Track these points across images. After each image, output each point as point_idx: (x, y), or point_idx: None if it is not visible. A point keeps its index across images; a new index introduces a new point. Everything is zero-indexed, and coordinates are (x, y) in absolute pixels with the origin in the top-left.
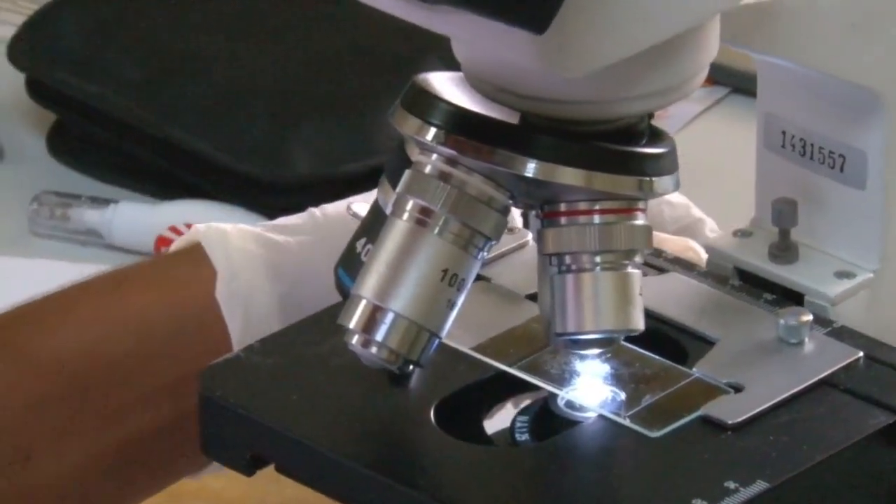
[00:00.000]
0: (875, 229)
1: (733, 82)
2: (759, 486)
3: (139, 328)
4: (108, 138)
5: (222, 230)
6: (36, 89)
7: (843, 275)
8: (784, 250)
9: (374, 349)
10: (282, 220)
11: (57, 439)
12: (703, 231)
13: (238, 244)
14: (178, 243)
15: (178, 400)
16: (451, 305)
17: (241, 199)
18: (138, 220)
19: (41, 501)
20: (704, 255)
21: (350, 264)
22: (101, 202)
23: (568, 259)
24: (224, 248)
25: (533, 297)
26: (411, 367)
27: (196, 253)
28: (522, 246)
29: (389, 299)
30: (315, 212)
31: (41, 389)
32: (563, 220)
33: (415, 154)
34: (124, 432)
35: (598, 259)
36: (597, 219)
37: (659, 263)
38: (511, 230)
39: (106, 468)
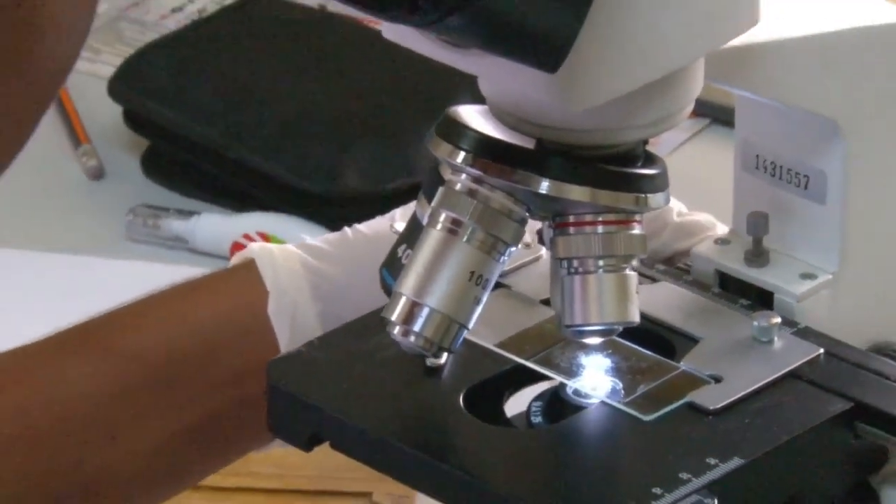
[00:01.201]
0: (834, 237)
1: (714, 114)
2: (736, 461)
3: (204, 330)
4: (191, 160)
5: (271, 251)
6: (131, 119)
7: (807, 276)
8: (757, 255)
9: (412, 338)
10: (319, 241)
11: (139, 422)
12: (671, 216)
13: (284, 264)
14: (235, 258)
15: (239, 390)
16: (477, 301)
17: (302, 211)
18: (217, 228)
19: (127, 474)
20: (718, 224)
21: (392, 266)
22: (185, 214)
23: (576, 262)
24: (273, 267)
25: (546, 302)
26: (444, 353)
27: (250, 268)
28: (536, 259)
29: (425, 296)
30: (347, 231)
31: (125, 380)
32: (571, 229)
33: (447, 174)
34: (195, 416)
35: (601, 263)
36: (600, 229)
37: (652, 274)
38: (527, 245)
39: (181, 446)
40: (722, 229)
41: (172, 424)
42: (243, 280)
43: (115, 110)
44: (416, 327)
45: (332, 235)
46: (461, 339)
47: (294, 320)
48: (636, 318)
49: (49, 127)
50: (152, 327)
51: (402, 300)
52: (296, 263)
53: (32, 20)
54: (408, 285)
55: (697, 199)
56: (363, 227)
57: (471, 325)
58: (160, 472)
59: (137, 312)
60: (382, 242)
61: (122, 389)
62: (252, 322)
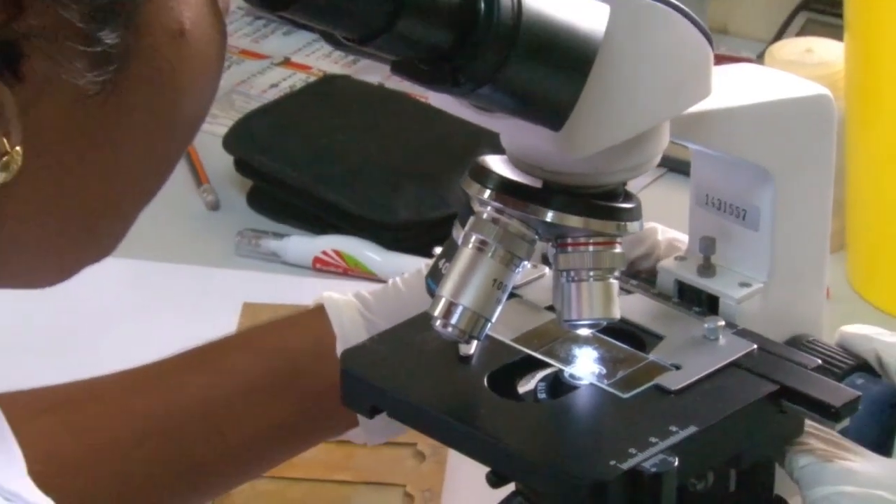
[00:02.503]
0: (765, 256)
1: (669, 165)
2: (692, 429)
3: (290, 357)
4: (284, 196)
5: (336, 301)
6: (240, 166)
7: (744, 284)
8: (707, 269)
9: (449, 329)
10: (368, 293)
11: (240, 423)
12: None
13: (346, 313)
14: (313, 301)
15: (316, 401)
16: (499, 302)
17: (365, 235)
18: (302, 247)
19: (230, 459)
20: (659, 226)
21: (435, 275)
22: (279, 235)
23: (572, 273)
24: (339, 315)
25: (549, 308)
26: (474, 341)
27: (321, 311)
28: (541, 276)
29: (460, 297)
30: (389, 286)
31: (230, 391)
32: (569, 248)
33: (476, 206)
34: (282, 419)
35: (591, 273)
36: (591, 248)
37: (627, 287)
38: (535, 266)
39: (272, 440)
40: (663, 232)
41: (265, 425)
42: (317, 321)
43: (227, 159)
44: (453, 321)
45: (378, 288)
46: (486, 330)
47: None
48: (617, 315)
49: (180, 171)
50: (252, 353)
51: (443, 300)
52: (355, 312)
53: (175, 81)
54: (447, 289)
55: None
56: (399, 281)
57: (493, 320)
58: (255, 458)
59: (240, 341)
60: (413, 294)
61: (227, 398)
62: (324, 353)
